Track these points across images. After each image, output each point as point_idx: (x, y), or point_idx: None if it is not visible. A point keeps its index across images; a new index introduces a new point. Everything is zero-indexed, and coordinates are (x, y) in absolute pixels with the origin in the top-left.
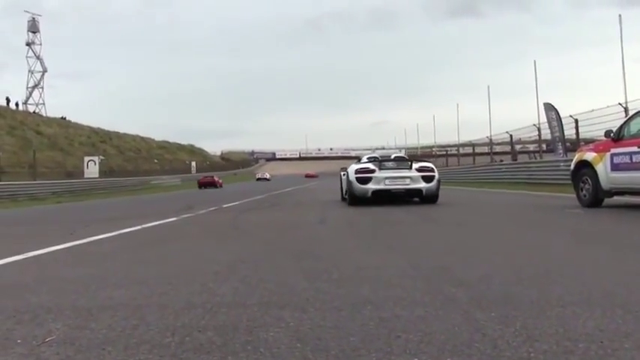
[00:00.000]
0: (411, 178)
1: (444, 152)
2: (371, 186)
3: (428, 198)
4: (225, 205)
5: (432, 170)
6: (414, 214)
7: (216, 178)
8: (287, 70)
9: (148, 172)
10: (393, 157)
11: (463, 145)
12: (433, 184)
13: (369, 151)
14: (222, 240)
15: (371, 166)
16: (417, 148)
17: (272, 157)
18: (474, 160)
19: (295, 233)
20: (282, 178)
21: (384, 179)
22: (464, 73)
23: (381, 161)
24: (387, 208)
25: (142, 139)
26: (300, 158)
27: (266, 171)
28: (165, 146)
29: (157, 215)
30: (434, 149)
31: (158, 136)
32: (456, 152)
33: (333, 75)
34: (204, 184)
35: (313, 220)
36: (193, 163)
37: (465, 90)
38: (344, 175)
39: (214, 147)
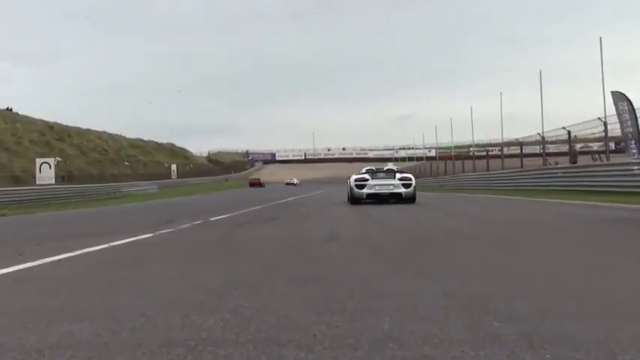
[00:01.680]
0: (394, 185)
1: (484, 153)
2: (365, 190)
3: (406, 199)
4: (213, 219)
5: (410, 179)
6: (448, 231)
7: (261, 181)
8: (290, 54)
9: (117, 177)
10: (385, 169)
11: (508, 144)
12: (410, 189)
13: (391, 151)
14: (209, 262)
15: (366, 176)
16: (450, 148)
17: (271, 159)
18: (521, 162)
19: (300, 253)
20: (283, 185)
21: (374, 185)
22: (509, 55)
23: (373, 172)
24: (415, 223)
25: (110, 136)
26: (306, 160)
27: (261, 175)
28: (139, 145)
29: (128, 231)
30: (471, 149)
31: (130, 133)
32: (499, 153)
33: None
34: (253, 184)
35: (321, 236)
36: (174, 167)
37: (510, 76)
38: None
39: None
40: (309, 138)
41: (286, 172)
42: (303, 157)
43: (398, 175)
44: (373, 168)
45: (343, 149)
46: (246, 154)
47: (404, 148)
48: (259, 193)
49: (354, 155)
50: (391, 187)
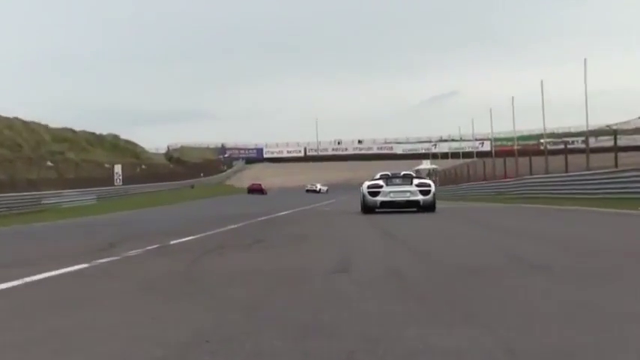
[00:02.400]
0: (410, 192)
1: (562, 145)
2: (379, 198)
3: (425, 207)
4: (174, 242)
5: (428, 186)
6: (508, 257)
7: (263, 186)
8: (279, 9)
9: (35, 183)
10: (402, 174)
11: (597, 132)
12: (429, 197)
13: (427, 144)
14: (168, 304)
15: (380, 182)
16: (511, 140)
17: (256, 157)
18: (615, 158)
19: (296, 291)
20: (273, 192)
21: (389, 193)
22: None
23: (388, 178)
24: (456, 245)
25: (26, 125)
26: (306, 158)
27: (242, 180)
28: (67, 138)
29: (53, 260)
30: (542, 141)
31: (55, 120)
32: (582, 146)
33: (361, 18)
34: (253, 190)
35: (327, 266)
36: (118, 168)
37: (594, 41)
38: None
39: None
40: (311, 127)
41: (279, 174)
42: (302, 154)
43: (415, 181)
44: (388, 173)
45: (359, 142)
46: (222, 149)
47: (445, 140)
48: (240, 204)
49: (375, 151)
50: (408, 194)
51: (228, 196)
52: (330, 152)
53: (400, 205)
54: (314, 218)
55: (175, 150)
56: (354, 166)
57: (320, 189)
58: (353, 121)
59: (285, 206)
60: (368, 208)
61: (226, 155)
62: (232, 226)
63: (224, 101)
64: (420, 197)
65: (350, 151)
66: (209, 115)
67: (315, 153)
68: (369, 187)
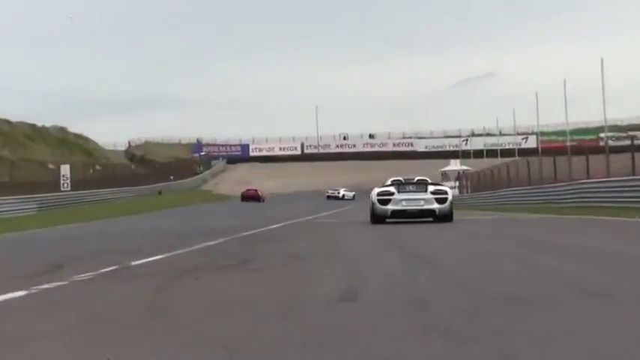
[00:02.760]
0: (425, 200)
1: (628, 141)
2: (390, 207)
3: (441, 217)
4: (135, 263)
5: (445, 193)
6: (562, 284)
7: (259, 193)
8: None
9: None
10: (415, 179)
11: None
12: (445, 205)
13: (456, 139)
14: (128, 344)
15: (391, 189)
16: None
17: (241, 156)
18: None
19: (291, 325)
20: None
21: (401, 201)
22: None
23: (400, 184)
24: (489, 265)
25: None
26: (303, 157)
27: (225, 183)
28: (2, 132)
29: None
30: (603, 136)
31: None
32: None
33: None
34: (247, 197)
35: (330, 292)
36: (66, 169)
37: None
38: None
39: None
40: (310, 117)
41: (270, 176)
42: (298, 152)
43: (430, 188)
44: (401, 179)
45: (370, 137)
46: (197, 146)
47: (479, 135)
48: (221, 214)
49: (390, 147)
50: (422, 202)
51: (207, 204)
52: (333, 149)
53: (413, 215)
54: (314, 232)
55: (138, 147)
56: (364, 167)
57: (344, 195)
58: (362, 110)
59: (279, 217)
60: (377, 218)
61: (203, 153)
62: (211, 243)
63: (199, 85)
64: (435, 206)
65: (359, 148)
66: (180, 102)
67: (314, 150)
68: (378, 194)
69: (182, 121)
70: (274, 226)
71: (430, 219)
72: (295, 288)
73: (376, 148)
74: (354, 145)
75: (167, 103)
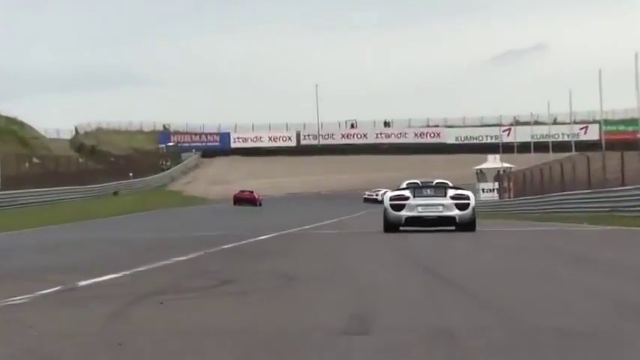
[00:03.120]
0: (444, 206)
1: None
2: (404, 213)
3: (462, 225)
4: (84, 283)
5: (466, 198)
6: (629, 316)
7: (255, 195)
8: None
9: None
10: (434, 183)
11: None
12: (467, 211)
13: (498, 129)
14: None
15: (406, 193)
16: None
17: (220, 147)
18: None
19: None
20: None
21: (416, 206)
22: None
23: (417, 188)
24: (548, 295)
25: None
26: (299, 150)
27: (198, 181)
28: None
29: None
30: None
31: None
32: None
33: None
34: (240, 200)
35: (333, 321)
36: None
37: None
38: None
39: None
40: (308, 100)
41: (255, 174)
42: (293, 143)
43: (450, 192)
44: (418, 182)
45: (386, 125)
46: (164, 134)
47: (524, 123)
48: (195, 221)
49: (412, 139)
50: (440, 207)
51: (176, 209)
52: (338, 140)
53: (430, 223)
54: (313, 245)
55: (88, 135)
56: (378, 163)
57: (377, 197)
58: (375, 91)
59: (268, 226)
60: (390, 225)
61: (171, 143)
62: (181, 258)
63: (167, 59)
64: (455, 212)
65: (371, 140)
66: (143, 79)
67: (313, 141)
68: (391, 198)
69: (145, 103)
70: (263, 237)
71: (451, 227)
72: (288, 317)
73: (393, 140)
74: (365, 136)
75: (125, 80)
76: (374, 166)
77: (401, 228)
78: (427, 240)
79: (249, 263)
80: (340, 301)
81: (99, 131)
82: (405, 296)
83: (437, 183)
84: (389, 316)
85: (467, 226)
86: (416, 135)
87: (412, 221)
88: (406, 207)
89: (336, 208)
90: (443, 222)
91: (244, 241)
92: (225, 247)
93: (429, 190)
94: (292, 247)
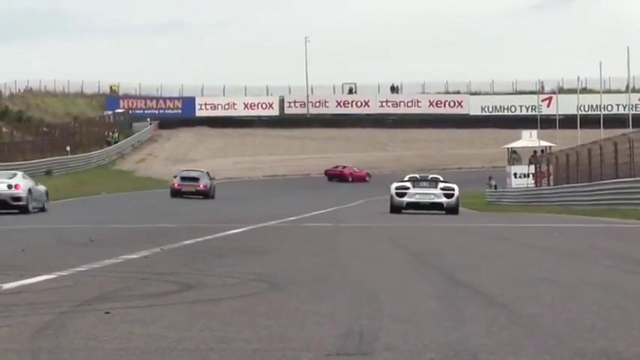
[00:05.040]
0: (435, 195)
1: None
2: (406, 199)
3: (448, 210)
4: (9, 286)
5: (452, 189)
6: None
7: (355, 169)
8: None
9: None
10: (429, 177)
11: None
12: (452, 200)
13: (533, 97)
14: None
15: (407, 184)
16: None
17: (182, 115)
18: None
19: None
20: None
21: (415, 194)
22: None
23: (416, 180)
24: (603, 315)
25: None
26: (282, 120)
27: (161, 156)
28: None
29: None
30: None
31: None
32: None
33: None
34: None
35: (322, 339)
36: None
37: None
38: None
39: None
40: (293, 57)
41: (227, 150)
42: (275, 112)
43: (440, 185)
44: (417, 176)
45: (394, 90)
46: (111, 99)
47: (568, 91)
48: (153, 209)
49: (425, 109)
50: (432, 196)
51: (127, 193)
52: (332, 109)
53: (425, 207)
54: (300, 241)
55: (14, 97)
56: (383, 138)
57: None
58: (379, 47)
59: (243, 216)
60: (395, 208)
61: (120, 110)
62: (132, 256)
63: (114, 1)
64: (443, 200)
65: (374, 109)
66: (84, 26)
67: (301, 110)
68: (396, 188)
69: (87, 58)
70: (236, 230)
71: (442, 212)
72: (268, 333)
73: (402, 109)
74: (366, 104)
75: (62, 28)
76: (378, 142)
77: (402, 211)
78: (440, 237)
79: (217, 264)
80: (333, 312)
81: (28, 93)
82: (414, 307)
83: (431, 177)
84: (393, 333)
85: (452, 210)
86: (431, 104)
87: (411, 205)
88: (407, 194)
89: (329, 195)
90: (434, 207)
91: (212, 236)
92: (188, 242)
93: (424, 183)
94: (274, 244)
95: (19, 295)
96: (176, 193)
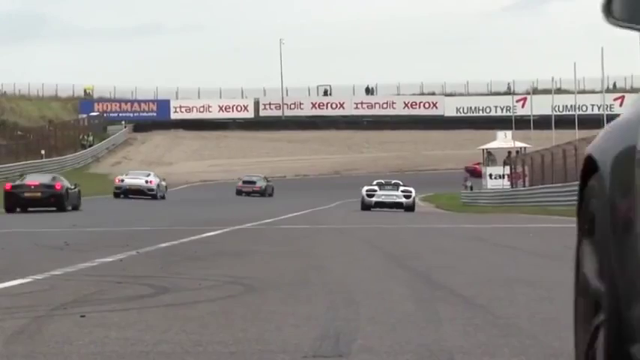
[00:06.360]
0: (397, 196)
1: None
2: (374, 199)
3: (407, 208)
4: None
5: (410, 192)
6: None
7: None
8: None
9: None
10: (392, 182)
11: None
12: (410, 200)
13: (509, 98)
14: None
15: (375, 187)
16: None
17: (157, 119)
18: None
19: None
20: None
21: (381, 195)
22: None
23: (382, 185)
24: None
25: None
26: (257, 123)
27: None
28: None
29: None
30: None
31: None
32: None
33: None
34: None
35: (299, 342)
36: None
37: None
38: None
39: None
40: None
41: (201, 153)
42: (249, 114)
43: (401, 188)
44: (382, 181)
45: (368, 92)
46: (87, 102)
47: (546, 91)
48: (129, 212)
49: (401, 110)
50: (395, 197)
51: (102, 196)
52: (307, 111)
53: (389, 205)
54: (275, 242)
55: None
56: (358, 139)
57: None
58: (354, 48)
59: (219, 219)
60: (365, 207)
61: (94, 113)
62: (107, 259)
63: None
64: (403, 200)
65: (349, 110)
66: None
67: (276, 112)
68: (367, 190)
69: (61, 61)
70: (212, 233)
71: (401, 210)
72: (244, 336)
73: (377, 111)
74: (342, 105)
75: (37, 31)
76: (353, 144)
77: (371, 208)
78: (417, 238)
79: (193, 266)
80: (310, 315)
81: (2, 97)
82: (390, 309)
83: (394, 182)
84: (369, 335)
85: (410, 208)
86: (406, 105)
87: (378, 204)
88: (375, 195)
89: (305, 197)
90: (396, 205)
91: (188, 238)
92: (164, 245)
93: (389, 187)
94: (250, 246)
95: None
96: (240, 193)
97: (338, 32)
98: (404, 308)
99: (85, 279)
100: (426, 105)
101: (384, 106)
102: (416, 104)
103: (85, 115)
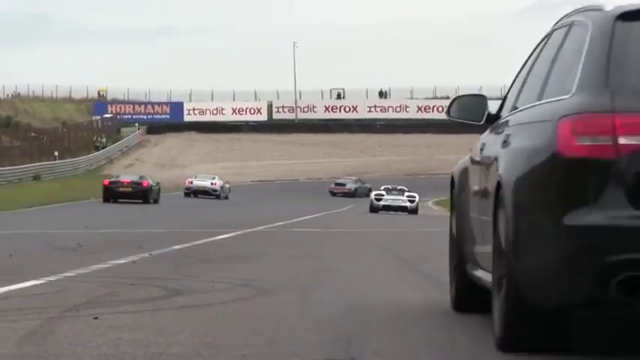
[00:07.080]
0: (402, 200)
1: None
2: (382, 202)
3: (410, 211)
4: None
5: (414, 197)
6: None
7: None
8: None
9: None
10: (398, 188)
11: None
12: (414, 204)
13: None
14: None
15: (383, 192)
16: None
17: (170, 121)
18: None
19: None
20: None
21: (388, 199)
22: None
23: (388, 190)
24: None
25: None
26: (272, 127)
27: (150, 162)
28: None
29: None
30: None
31: None
32: None
33: None
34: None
35: (311, 345)
36: None
37: None
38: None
39: None
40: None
41: (214, 155)
42: (263, 116)
43: (406, 194)
44: (389, 187)
45: (382, 95)
46: (100, 104)
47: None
48: (144, 215)
49: (414, 113)
50: (400, 201)
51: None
52: (320, 115)
53: (395, 209)
54: (288, 246)
55: (2, 102)
56: (371, 143)
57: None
58: (368, 52)
59: (232, 222)
60: (374, 209)
61: (108, 115)
62: (121, 261)
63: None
64: (408, 204)
65: (362, 114)
66: (72, 32)
67: (289, 115)
68: (375, 194)
69: (74, 63)
70: (225, 236)
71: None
72: (256, 339)
73: (390, 114)
74: (355, 109)
75: (50, 33)
76: (366, 147)
77: (379, 211)
78: (428, 242)
79: (206, 269)
80: (322, 318)
81: (16, 98)
82: (402, 313)
83: (399, 188)
84: (381, 339)
85: (413, 211)
86: (420, 109)
87: (385, 207)
88: (383, 200)
89: (318, 200)
90: (401, 209)
91: (201, 241)
92: (177, 247)
93: (395, 192)
94: (262, 249)
95: (6, 300)
96: (333, 194)
97: (352, 36)
98: (415, 312)
99: (98, 280)
100: (440, 109)
101: (398, 109)
102: (429, 108)
103: (98, 117)
